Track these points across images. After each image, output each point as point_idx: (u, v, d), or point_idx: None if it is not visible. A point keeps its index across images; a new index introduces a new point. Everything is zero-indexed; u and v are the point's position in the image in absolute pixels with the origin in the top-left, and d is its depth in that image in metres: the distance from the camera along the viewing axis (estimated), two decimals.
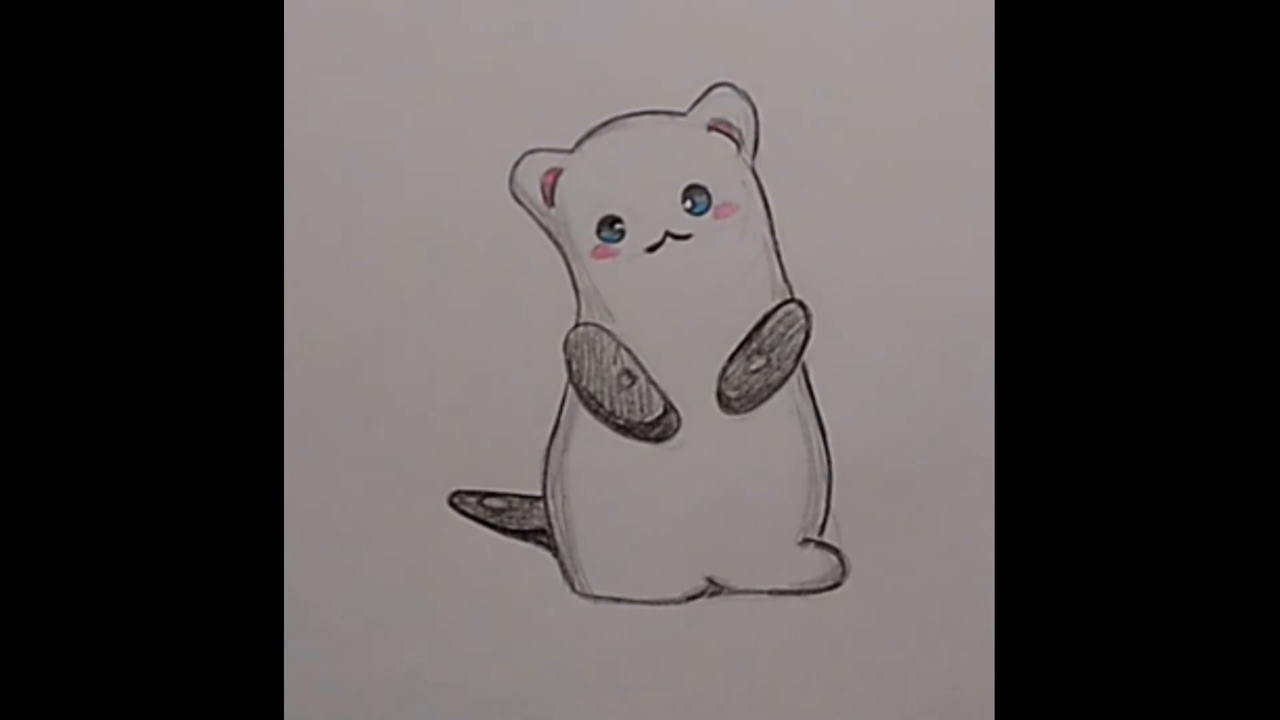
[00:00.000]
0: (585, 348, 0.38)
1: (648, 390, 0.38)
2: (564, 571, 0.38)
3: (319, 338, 0.37)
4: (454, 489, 0.38)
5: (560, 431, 0.38)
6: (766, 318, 0.37)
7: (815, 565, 0.38)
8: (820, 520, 0.38)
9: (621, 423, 0.38)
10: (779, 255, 0.37)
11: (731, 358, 0.37)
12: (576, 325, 0.38)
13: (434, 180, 0.37)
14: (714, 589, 0.38)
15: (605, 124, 0.37)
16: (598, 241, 0.37)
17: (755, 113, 0.37)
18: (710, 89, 0.37)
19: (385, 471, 0.38)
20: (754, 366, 0.37)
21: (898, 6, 0.37)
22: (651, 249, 0.37)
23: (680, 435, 0.38)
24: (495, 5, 0.38)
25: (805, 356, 0.38)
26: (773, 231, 0.37)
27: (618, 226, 0.37)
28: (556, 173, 0.37)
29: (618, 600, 0.38)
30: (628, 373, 0.38)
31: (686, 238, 0.37)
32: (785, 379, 0.37)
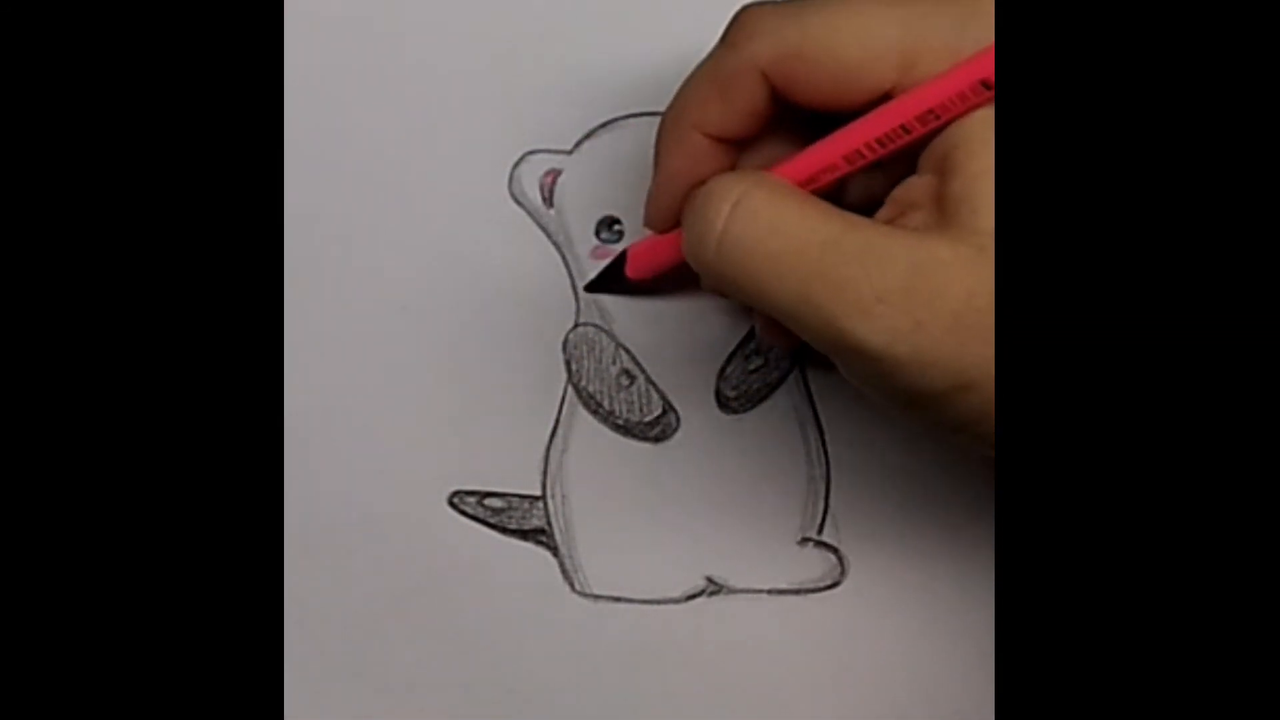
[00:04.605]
0: (585, 348, 0.38)
1: (647, 390, 0.38)
2: (564, 571, 0.38)
3: (319, 337, 0.37)
4: (454, 489, 0.38)
5: (560, 431, 0.38)
6: None
7: (814, 564, 0.38)
8: (819, 519, 0.38)
9: (621, 423, 0.38)
10: None
11: (730, 358, 0.38)
12: (576, 325, 0.38)
13: (433, 180, 0.37)
14: (714, 588, 0.38)
15: (604, 124, 0.37)
16: (597, 242, 0.37)
17: None
18: None
19: (385, 471, 0.38)
20: (752, 366, 0.37)
21: None
22: None
23: (679, 435, 0.38)
24: (495, 5, 0.38)
25: (803, 356, 0.38)
26: None
27: (616, 228, 0.37)
28: (555, 173, 0.37)
29: (618, 600, 0.38)
30: (627, 373, 0.38)
31: None
32: (784, 378, 0.38)
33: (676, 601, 0.38)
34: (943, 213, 0.28)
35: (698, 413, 0.38)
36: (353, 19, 0.38)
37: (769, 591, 0.38)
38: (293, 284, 0.37)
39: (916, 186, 0.30)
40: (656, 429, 0.38)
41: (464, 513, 0.38)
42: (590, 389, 0.38)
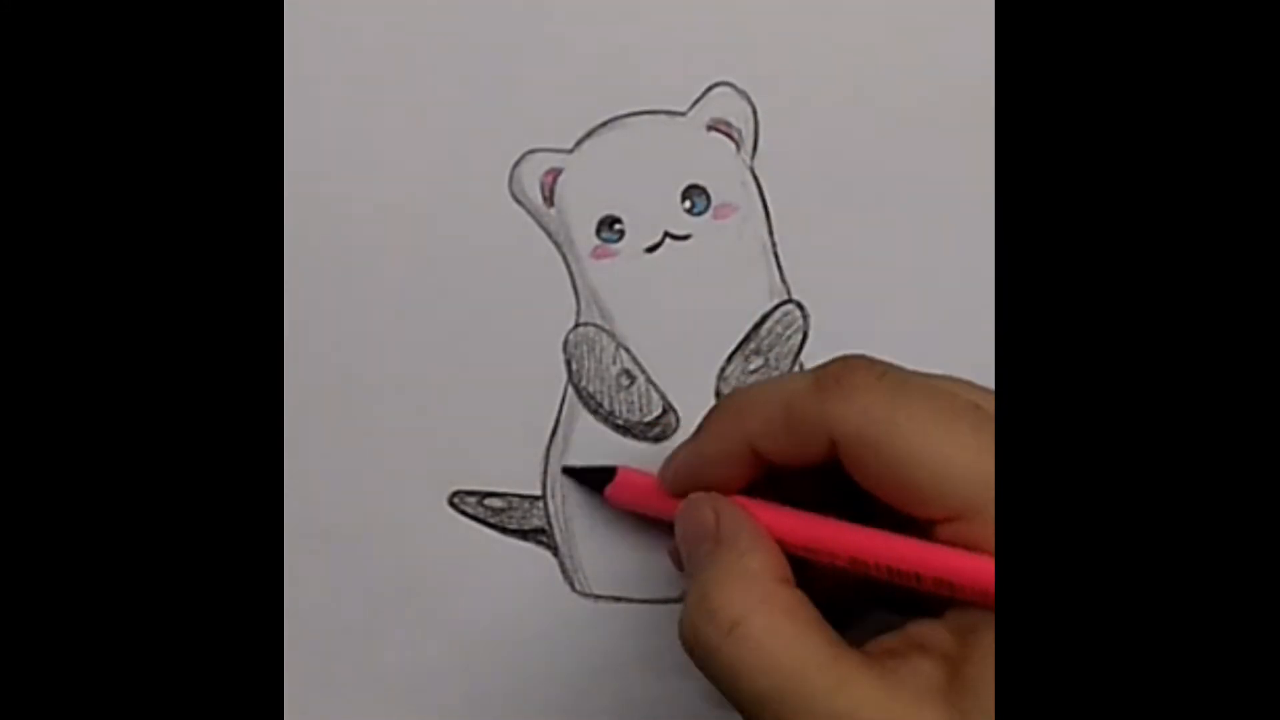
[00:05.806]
0: (585, 348, 0.38)
1: (647, 390, 0.38)
2: (564, 571, 0.38)
3: (319, 337, 0.37)
4: (454, 489, 0.38)
5: (560, 431, 0.38)
6: (765, 318, 0.37)
7: None
8: None
9: (621, 422, 0.38)
10: (777, 256, 0.37)
11: (730, 358, 0.38)
12: (576, 325, 0.38)
13: (433, 180, 0.37)
14: None
15: (605, 124, 0.37)
16: (597, 242, 0.37)
17: (755, 112, 0.37)
18: (710, 88, 0.37)
19: (385, 471, 0.38)
20: (752, 367, 0.37)
21: (898, 6, 0.37)
22: (651, 249, 0.37)
23: (679, 435, 0.38)
24: (495, 5, 0.38)
25: (802, 357, 0.38)
26: (771, 232, 0.37)
27: (617, 227, 0.37)
28: (556, 173, 0.37)
29: (618, 600, 0.38)
30: (627, 373, 0.38)
31: (685, 238, 0.37)
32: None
33: (676, 601, 0.38)
34: (953, 688, 0.27)
35: (698, 413, 0.37)
36: (353, 18, 0.37)
37: None
38: (293, 283, 0.37)
39: (933, 635, 0.28)
40: (656, 429, 0.38)
41: (464, 513, 0.38)
42: (590, 389, 0.38)
